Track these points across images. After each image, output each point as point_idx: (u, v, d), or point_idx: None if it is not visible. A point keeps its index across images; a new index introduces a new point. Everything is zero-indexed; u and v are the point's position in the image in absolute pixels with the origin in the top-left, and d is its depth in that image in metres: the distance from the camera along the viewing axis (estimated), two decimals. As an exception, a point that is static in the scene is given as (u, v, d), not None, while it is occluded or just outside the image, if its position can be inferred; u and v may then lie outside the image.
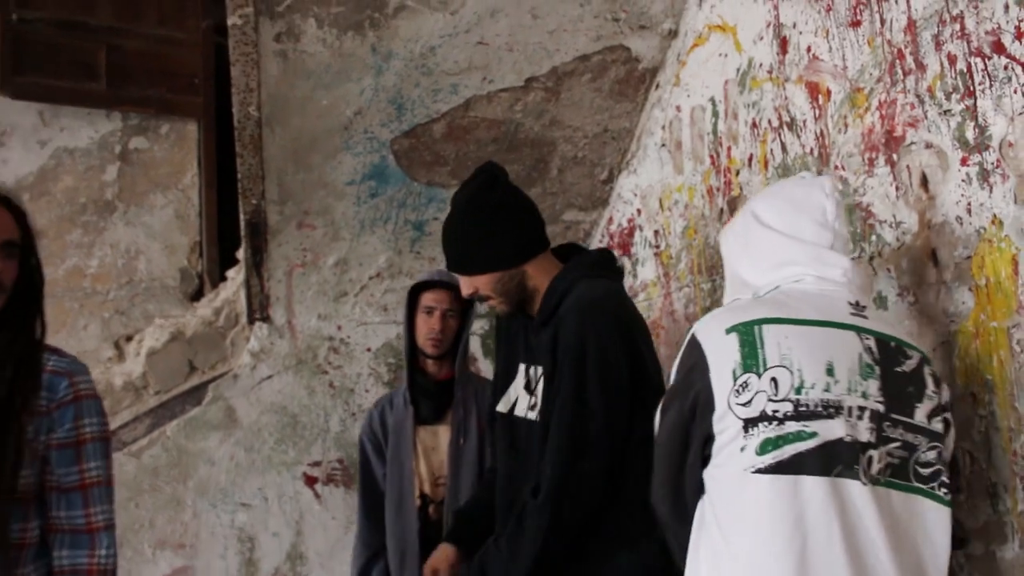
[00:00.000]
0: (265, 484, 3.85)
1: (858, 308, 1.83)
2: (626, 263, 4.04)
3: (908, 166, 2.31)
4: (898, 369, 1.77)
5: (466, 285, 2.38)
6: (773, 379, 1.69)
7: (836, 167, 2.63)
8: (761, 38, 3.04)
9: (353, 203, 3.92)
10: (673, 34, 3.74)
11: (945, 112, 2.18)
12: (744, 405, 1.69)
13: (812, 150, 2.75)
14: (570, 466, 2.11)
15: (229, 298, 4.05)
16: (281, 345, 3.94)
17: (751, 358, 1.71)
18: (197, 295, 4.57)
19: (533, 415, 2.30)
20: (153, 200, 4.60)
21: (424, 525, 3.08)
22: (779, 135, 2.94)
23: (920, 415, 1.76)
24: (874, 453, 1.69)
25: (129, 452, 3.73)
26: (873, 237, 2.46)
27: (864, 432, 1.70)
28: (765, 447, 1.67)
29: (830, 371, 1.71)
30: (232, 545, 3.79)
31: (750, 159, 3.12)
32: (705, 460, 1.77)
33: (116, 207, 4.54)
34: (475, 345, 4.17)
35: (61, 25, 4.40)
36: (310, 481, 3.90)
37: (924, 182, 2.25)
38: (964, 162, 2.12)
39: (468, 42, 3.65)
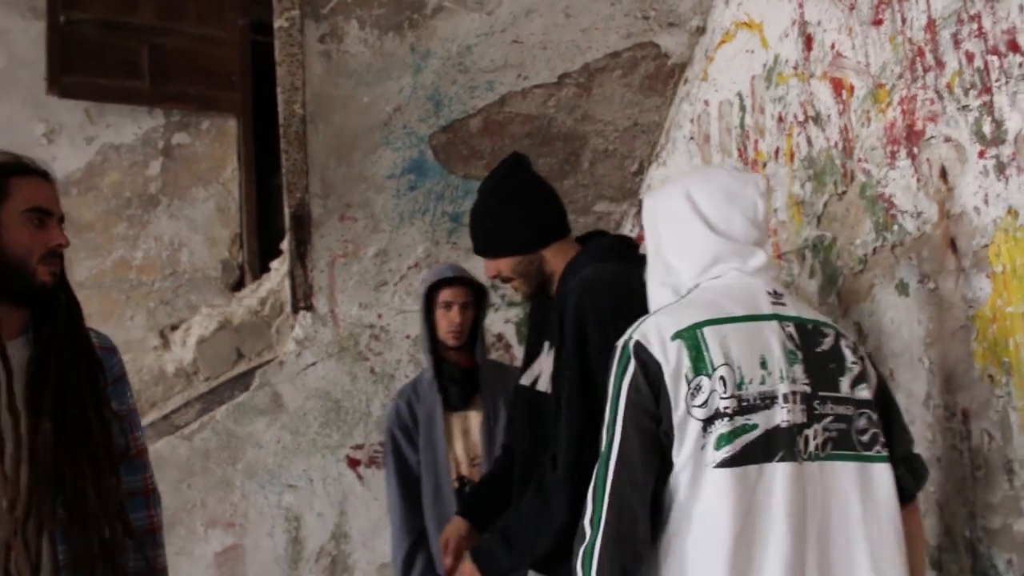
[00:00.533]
0: (310, 466, 3.89)
1: (776, 296, 1.89)
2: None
3: (928, 159, 2.38)
4: (818, 350, 1.86)
5: (489, 267, 2.45)
6: (722, 378, 1.76)
7: (860, 159, 2.69)
8: (787, 35, 3.10)
9: (393, 196, 3.99)
10: (701, 31, 3.81)
11: (963, 108, 2.25)
12: (701, 406, 1.75)
13: (836, 143, 2.81)
14: (581, 441, 2.07)
15: (274, 288, 4.09)
16: (324, 333, 3.97)
17: (699, 361, 1.77)
18: (238, 285, 4.58)
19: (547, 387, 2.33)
20: (195, 194, 4.62)
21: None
22: (804, 129, 3.00)
23: (844, 387, 1.85)
24: (808, 432, 1.78)
25: (181, 435, 3.78)
26: (895, 227, 2.53)
27: (798, 415, 1.78)
28: (720, 443, 1.73)
29: (764, 364, 1.79)
30: (279, 524, 3.83)
31: (776, 152, 3.17)
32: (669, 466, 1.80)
33: (160, 201, 4.56)
34: (510, 332, 4.22)
35: (106, 25, 4.41)
36: (353, 463, 3.93)
37: (943, 174, 2.32)
38: (981, 155, 2.19)
39: (503, 41, 3.75)
